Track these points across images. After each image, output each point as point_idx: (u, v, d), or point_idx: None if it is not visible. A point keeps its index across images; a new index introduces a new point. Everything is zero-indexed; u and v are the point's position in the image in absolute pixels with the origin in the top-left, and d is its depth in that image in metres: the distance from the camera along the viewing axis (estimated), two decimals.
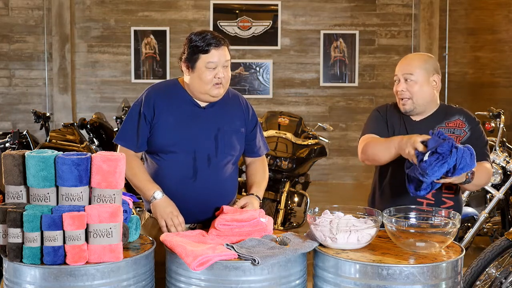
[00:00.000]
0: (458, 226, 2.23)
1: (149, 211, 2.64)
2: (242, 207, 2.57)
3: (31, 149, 3.31)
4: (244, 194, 5.45)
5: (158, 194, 2.52)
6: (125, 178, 2.22)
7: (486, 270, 3.33)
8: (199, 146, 2.58)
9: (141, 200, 2.76)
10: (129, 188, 3.62)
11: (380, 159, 2.63)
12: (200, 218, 2.62)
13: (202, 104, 2.64)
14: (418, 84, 2.67)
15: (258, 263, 2.04)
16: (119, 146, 2.65)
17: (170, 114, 2.59)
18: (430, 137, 2.33)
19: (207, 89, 2.55)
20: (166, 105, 2.60)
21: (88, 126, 5.67)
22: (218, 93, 2.58)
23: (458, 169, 2.28)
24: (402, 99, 2.71)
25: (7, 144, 4.98)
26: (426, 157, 2.28)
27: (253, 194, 2.69)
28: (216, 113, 2.64)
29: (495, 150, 4.42)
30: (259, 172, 2.84)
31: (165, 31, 8.50)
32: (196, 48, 2.52)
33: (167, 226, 2.49)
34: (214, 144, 2.60)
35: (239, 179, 5.29)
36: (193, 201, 2.57)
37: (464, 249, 2.26)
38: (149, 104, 2.59)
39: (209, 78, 2.53)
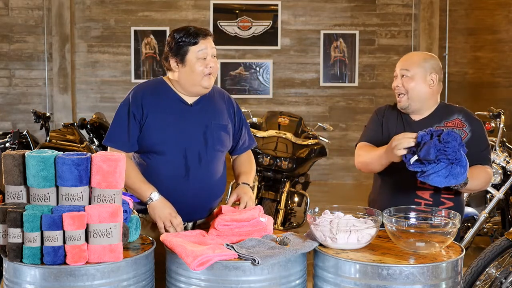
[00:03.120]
0: (458, 226, 2.23)
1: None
2: (235, 202, 2.59)
3: (31, 149, 3.31)
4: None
5: (155, 195, 2.51)
6: None
7: (486, 270, 3.33)
8: (190, 144, 2.59)
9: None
10: None
11: (374, 169, 2.74)
12: (192, 216, 2.63)
13: (189, 102, 2.65)
14: (414, 81, 2.71)
15: (258, 263, 2.04)
16: (108, 148, 2.63)
17: (159, 113, 2.59)
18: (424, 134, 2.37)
19: (199, 80, 2.57)
20: (154, 104, 2.60)
21: (88, 126, 5.67)
22: (209, 84, 2.61)
23: (423, 176, 2.36)
24: (399, 95, 2.76)
25: (7, 144, 4.98)
26: (412, 160, 2.35)
27: (243, 183, 2.69)
28: (203, 109, 2.66)
29: (495, 150, 4.42)
30: (246, 162, 2.84)
31: (165, 31, 8.49)
32: (183, 42, 2.57)
33: (165, 227, 2.49)
34: (204, 141, 2.61)
35: None
36: (186, 199, 2.57)
37: (464, 249, 2.26)
38: (137, 104, 2.58)
39: (200, 69, 2.56)
